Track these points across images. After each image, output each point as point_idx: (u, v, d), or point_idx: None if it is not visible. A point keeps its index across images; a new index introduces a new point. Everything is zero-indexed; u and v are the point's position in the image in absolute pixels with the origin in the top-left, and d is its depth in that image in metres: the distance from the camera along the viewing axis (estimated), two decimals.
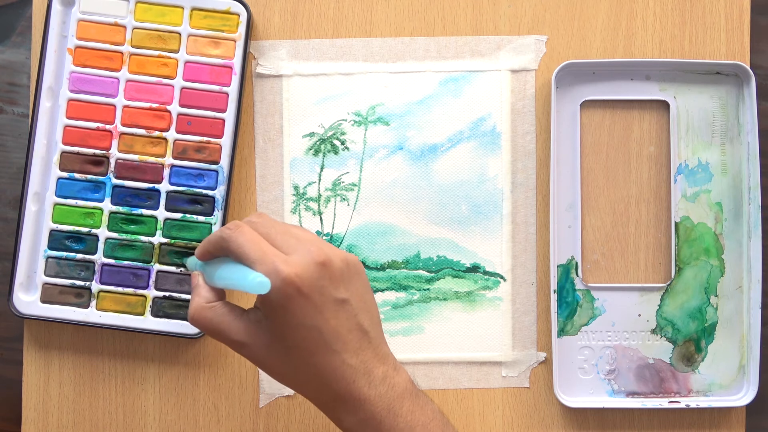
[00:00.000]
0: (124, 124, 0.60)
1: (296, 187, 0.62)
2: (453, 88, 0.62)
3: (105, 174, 0.60)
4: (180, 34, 0.60)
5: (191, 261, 0.54)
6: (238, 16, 0.60)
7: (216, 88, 0.60)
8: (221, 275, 0.48)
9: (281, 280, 0.45)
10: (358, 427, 0.48)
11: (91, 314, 0.60)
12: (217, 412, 0.62)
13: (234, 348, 0.49)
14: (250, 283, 0.44)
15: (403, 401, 0.47)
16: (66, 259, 0.60)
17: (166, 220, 0.60)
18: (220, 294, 0.50)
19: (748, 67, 0.60)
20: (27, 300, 0.60)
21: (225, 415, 0.62)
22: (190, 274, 0.59)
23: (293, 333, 0.46)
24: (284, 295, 0.45)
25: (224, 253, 0.49)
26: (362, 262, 0.62)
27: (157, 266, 0.60)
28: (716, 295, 0.61)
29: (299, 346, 0.46)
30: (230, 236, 0.48)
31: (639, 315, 0.61)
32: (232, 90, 0.60)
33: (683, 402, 0.61)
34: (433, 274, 0.62)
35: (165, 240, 0.60)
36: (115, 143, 0.60)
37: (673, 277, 0.61)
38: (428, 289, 0.62)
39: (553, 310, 0.60)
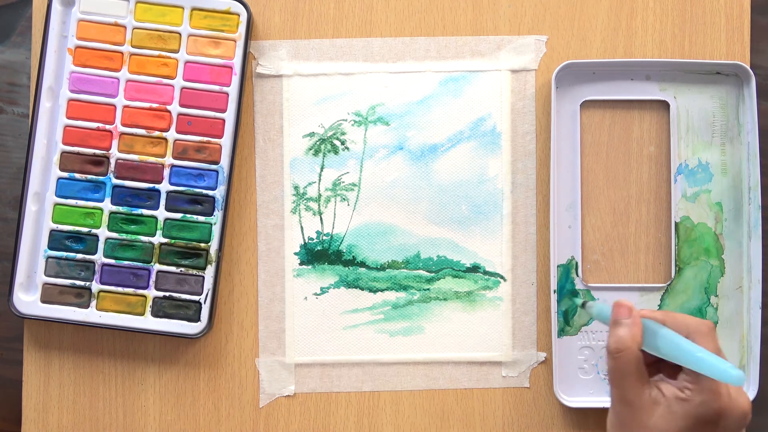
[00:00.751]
0: (124, 124, 0.60)
1: (296, 187, 0.62)
2: (453, 88, 0.62)
3: (105, 174, 0.60)
4: (180, 34, 0.60)
5: (598, 308, 0.54)
6: (238, 16, 0.60)
7: (216, 88, 0.60)
8: (674, 341, 0.48)
9: (717, 407, 0.47)
10: None
11: (91, 314, 0.60)
12: (217, 412, 0.62)
13: (617, 397, 0.50)
14: (727, 372, 0.45)
15: None
16: (66, 259, 0.60)
17: (166, 220, 0.60)
18: (642, 343, 0.50)
19: (748, 67, 0.60)
20: (27, 300, 0.60)
21: (225, 415, 0.62)
22: (195, 275, 0.59)
23: None
24: (704, 417, 0.47)
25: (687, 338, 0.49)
26: (362, 262, 0.62)
27: (157, 266, 0.60)
28: (716, 295, 0.61)
29: None
30: (707, 337, 0.49)
31: None
32: (232, 90, 0.60)
33: None
34: (433, 274, 0.62)
35: (165, 240, 0.60)
36: (115, 143, 0.60)
37: (673, 277, 0.61)
38: (428, 289, 0.62)
39: (553, 310, 0.60)
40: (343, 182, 0.62)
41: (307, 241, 0.62)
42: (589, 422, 0.62)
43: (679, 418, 0.48)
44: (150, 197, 0.60)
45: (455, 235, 0.62)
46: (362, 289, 0.62)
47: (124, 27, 0.60)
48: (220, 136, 0.60)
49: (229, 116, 0.60)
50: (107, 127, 0.60)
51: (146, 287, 0.60)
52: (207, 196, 0.60)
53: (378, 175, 0.62)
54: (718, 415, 0.48)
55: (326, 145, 0.62)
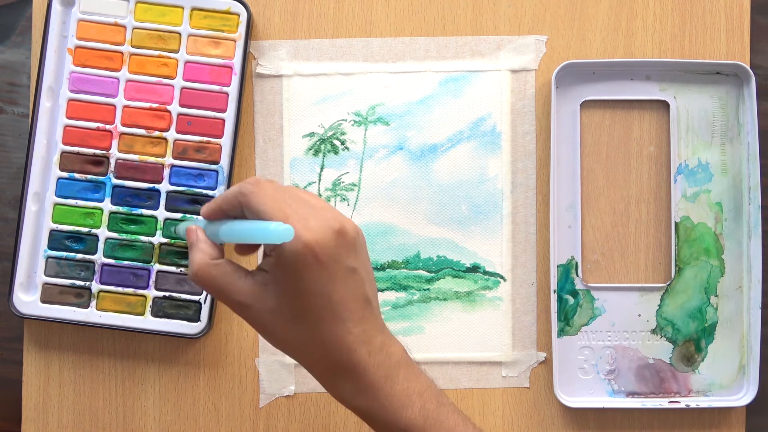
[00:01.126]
0: (124, 124, 0.60)
1: (296, 187, 0.62)
2: (453, 88, 0.62)
3: (105, 174, 0.60)
4: (180, 34, 0.60)
5: (183, 225, 0.51)
6: (238, 16, 0.60)
7: (216, 88, 0.60)
8: (232, 228, 0.46)
9: (301, 245, 0.44)
10: (356, 395, 0.47)
11: (91, 314, 0.60)
12: (217, 412, 0.62)
13: (235, 309, 0.47)
14: (274, 231, 0.42)
15: (399, 369, 0.47)
16: (66, 259, 0.60)
17: (166, 220, 0.60)
18: (222, 251, 0.48)
19: (748, 67, 0.60)
20: (27, 300, 0.60)
21: (225, 415, 0.62)
22: (186, 274, 0.59)
23: (302, 299, 0.45)
24: (301, 261, 0.44)
25: (238, 210, 0.47)
26: None
27: (157, 266, 0.60)
28: (716, 295, 0.61)
29: (306, 313, 0.46)
30: (251, 192, 0.46)
31: (639, 315, 0.61)
32: (232, 90, 0.60)
33: (683, 402, 0.61)
34: (433, 274, 0.62)
35: (165, 240, 0.60)
36: (115, 143, 0.60)
37: (673, 277, 0.61)
38: (428, 289, 0.62)
39: (553, 310, 0.60)
40: (343, 182, 0.62)
41: None
42: (589, 422, 0.62)
43: (286, 281, 0.45)
44: (150, 197, 0.60)
45: (455, 235, 0.62)
46: None
47: (124, 27, 0.60)
48: (220, 136, 0.60)
49: (229, 116, 0.60)
50: (107, 127, 0.60)
51: (146, 287, 0.60)
52: (207, 196, 0.60)
53: (378, 175, 0.62)
54: (310, 251, 0.44)
55: (326, 145, 0.62)
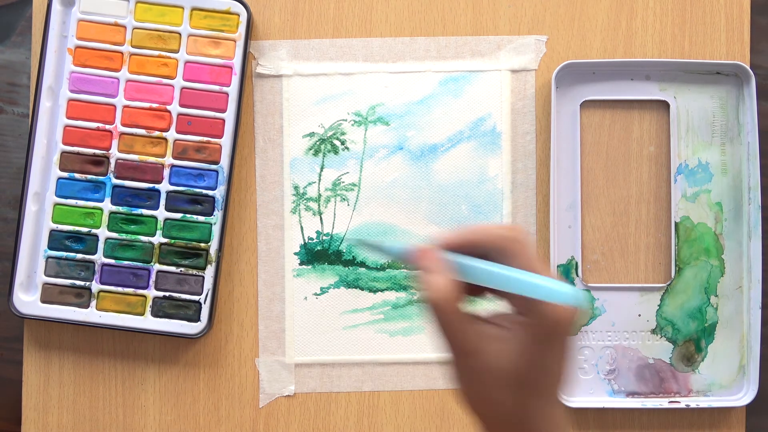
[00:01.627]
0: (124, 124, 0.60)
1: (296, 187, 0.62)
2: (453, 88, 0.62)
3: (105, 174, 0.60)
4: (180, 34, 0.60)
5: (401, 245, 0.45)
6: (238, 16, 0.60)
7: (216, 88, 0.60)
8: (507, 275, 0.41)
9: (561, 315, 0.40)
10: None
11: (91, 314, 0.60)
12: (217, 412, 0.62)
13: (455, 352, 0.43)
14: (564, 294, 0.39)
15: None
16: (66, 259, 0.60)
17: (166, 220, 0.60)
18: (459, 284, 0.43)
19: (748, 67, 0.60)
20: (27, 300, 0.60)
21: (225, 415, 0.62)
22: (185, 274, 0.59)
23: (537, 368, 0.42)
24: (556, 331, 0.41)
25: (493, 254, 0.43)
26: (362, 262, 0.62)
27: (157, 266, 0.60)
28: (716, 295, 0.61)
29: (533, 382, 0.42)
30: (525, 242, 0.41)
31: (639, 315, 0.61)
32: (232, 90, 0.60)
33: (683, 402, 0.61)
34: None
35: (165, 240, 0.60)
36: (115, 143, 0.60)
37: (673, 277, 0.61)
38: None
39: None
40: (343, 182, 0.62)
41: (307, 241, 0.62)
42: (589, 422, 0.62)
43: (529, 344, 0.41)
44: (150, 197, 0.60)
45: None
46: (362, 289, 0.62)
47: (124, 27, 0.60)
48: (220, 136, 0.60)
49: (229, 116, 0.60)
50: (107, 127, 0.60)
51: (146, 287, 0.60)
52: (207, 196, 0.60)
53: (378, 175, 0.62)
54: (564, 323, 0.41)
55: (326, 145, 0.62)
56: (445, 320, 0.42)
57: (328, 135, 0.62)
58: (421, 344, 0.62)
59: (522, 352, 0.41)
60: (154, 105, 0.60)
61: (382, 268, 0.62)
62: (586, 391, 0.61)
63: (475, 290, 0.44)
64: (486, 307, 0.44)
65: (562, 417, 0.43)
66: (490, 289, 0.44)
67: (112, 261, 0.60)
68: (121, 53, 0.60)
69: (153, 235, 0.60)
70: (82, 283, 0.60)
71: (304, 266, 0.62)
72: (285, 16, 0.62)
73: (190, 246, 0.60)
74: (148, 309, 0.60)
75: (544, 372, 0.42)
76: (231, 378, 0.62)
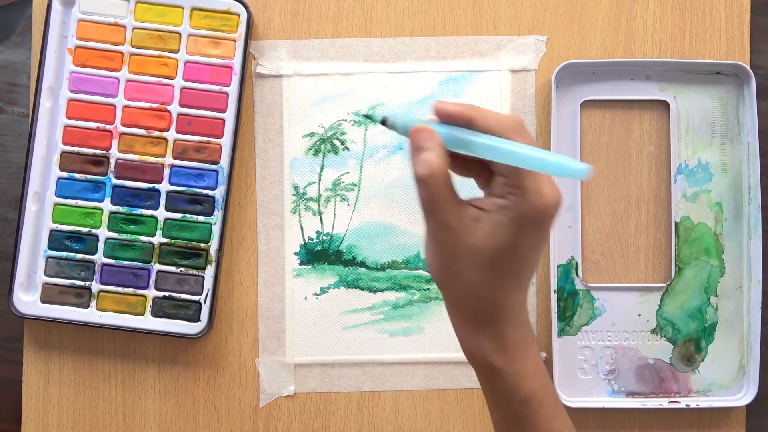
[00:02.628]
0: (124, 124, 0.60)
1: (296, 187, 0.62)
2: (453, 88, 0.62)
3: (105, 174, 0.60)
4: (180, 34, 0.60)
5: (405, 119, 0.47)
6: (238, 16, 0.60)
7: (216, 88, 0.60)
8: (512, 150, 0.42)
9: (542, 204, 0.42)
10: (495, 353, 0.47)
11: (91, 314, 0.60)
12: (217, 412, 0.62)
13: (436, 225, 0.45)
14: (572, 168, 0.39)
15: (534, 342, 0.47)
16: (66, 259, 0.60)
17: (166, 220, 0.60)
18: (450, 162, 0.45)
19: (748, 67, 0.60)
20: (27, 300, 0.60)
21: (225, 415, 0.62)
22: (185, 274, 0.59)
23: (508, 251, 0.44)
24: (535, 218, 0.43)
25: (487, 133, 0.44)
26: (362, 262, 0.62)
27: (157, 266, 0.60)
28: (716, 295, 0.61)
29: (500, 265, 0.44)
30: (521, 133, 0.43)
31: (639, 315, 0.61)
32: (232, 90, 0.60)
33: (683, 402, 0.61)
34: None
35: (165, 240, 0.60)
36: (115, 143, 0.60)
37: (673, 277, 0.61)
38: (428, 289, 0.62)
39: (553, 310, 0.60)
40: (343, 182, 0.62)
41: (307, 241, 0.62)
42: (589, 422, 0.62)
43: (506, 228, 0.43)
44: (150, 197, 0.60)
45: None
46: (362, 289, 0.62)
47: (124, 27, 0.60)
48: (220, 136, 0.60)
49: (229, 116, 0.60)
50: (107, 127, 0.60)
51: (146, 287, 0.60)
52: (207, 196, 0.60)
53: (378, 175, 0.62)
54: (545, 213, 0.43)
55: (326, 145, 0.62)
56: (430, 194, 0.44)
57: (328, 135, 0.62)
58: (421, 344, 0.62)
59: (496, 233, 0.44)
60: (154, 105, 0.60)
61: (382, 268, 0.62)
62: (586, 391, 0.61)
63: (465, 173, 0.47)
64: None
65: (525, 302, 0.47)
66: (477, 172, 0.46)
67: (112, 261, 0.60)
68: (121, 53, 0.60)
69: (153, 235, 0.60)
70: (82, 283, 0.60)
71: (304, 266, 0.62)
72: (285, 16, 0.62)
73: (190, 246, 0.60)
74: (148, 309, 0.60)
75: (515, 256, 0.44)
76: (231, 378, 0.62)
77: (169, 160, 0.60)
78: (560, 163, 0.40)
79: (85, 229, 0.60)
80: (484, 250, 0.44)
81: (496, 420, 0.49)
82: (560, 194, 0.43)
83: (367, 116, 0.58)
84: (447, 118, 0.45)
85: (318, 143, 0.62)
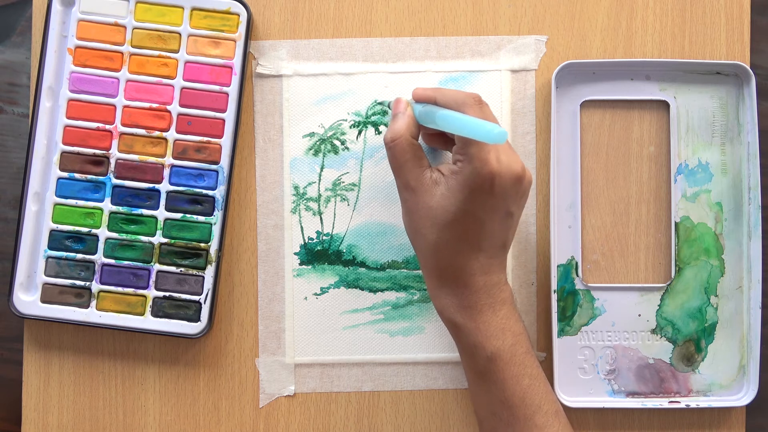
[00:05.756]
0: (124, 124, 0.60)
1: (296, 187, 0.62)
2: (453, 88, 0.62)
3: (105, 174, 0.60)
4: (180, 34, 0.60)
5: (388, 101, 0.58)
6: (238, 16, 0.60)
7: (216, 88, 0.60)
8: (451, 116, 0.49)
9: (487, 171, 0.49)
10: (457, 310, 0.52)
11: (91, 314, 0.60)
12: (217, 412, 0.62)
13: (402, 187, 0.53)
14: (490, 131, 0.45)
15: (503, 306, 0.53)
16: (66, 259, 0.60)
17: (166, 220, 0.60)
18: (418, 132, 0.54)
19: (748, 67, 0.60)
20: (27, 300, 0.60)
21: (225, 415, 0.62)
22: (185, 274, 0.59)
23: (459, 213, 0.50)
24: (479, 184, 0.49)
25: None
26: (362, 262, 0.62)
27: (157, 266, 0.60)
28: (716, 295, 0.61)
29: (455, 226, 0.51)
30: (473, 108, 0.51)
31: (639, 315, 0.61)
32: (232, 90, 0.60)
33: (683, 402, 0.61)
34: None
35: (165, 240, 0.60)
36: (115, 143, 0.60)
37: (673, 277, 0.61)
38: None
39: (553, 310, 0.60)
40: (343, 182, 0.62)
41: (307, 241, 0.62)
42: (589, 422, 0.62)
43: (456, 192, 0.50)
44: (150, 197, 0.60)
45: None
46: (362, 289, 0.62)
47: (124, 27, 0.60)
48: (220, 136, 0.60)
49: (229, 116, 0.60)
50: (107, 127, 0.60)
51: (146, 287, 0.60)
52: (207, 196, 0.60)
53: (378, 175, 0.62)
54: (489, 180, 0.49)
55: (326, 145, 0.62)
56: (394, 155, 0.53)
57: (328, 135, 0.62)
58: (421, 344, 0.62)
59: (449, 196, 0.50)
60: (154, 105, 0.60)
61: (382, 268, 0.62)
62: (586, 391, 0.61)
63: (439, 143, 0.57)
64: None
65: (493, 269, 0.52)
66: (445, 143, 0.56)
67: (112, 261, 0.60)
68: (121, 53, 0.60)
69: (153, 235, 0.60)
70: (82, 283, 0.60)
71: (304, 266, 0.62)
72: (285, 16, 0.62)
73: (190, 246, 0.60)
74: (148, 309, 0.60)
75: (468, 220, 0.51)
76: (231, 378, 0.62)
77: (169, 160, 0.60)
78: (479, 127, 0.46)
79: (85, 229, 0.60)
80: (438, 211, 0.51)
81: (469, 377, 0.54)
82: (512, 167, 0.50)
83: (380, 104, 0.62)
84: (419, 98, 0.55)
85: (318, 143, 0.62)
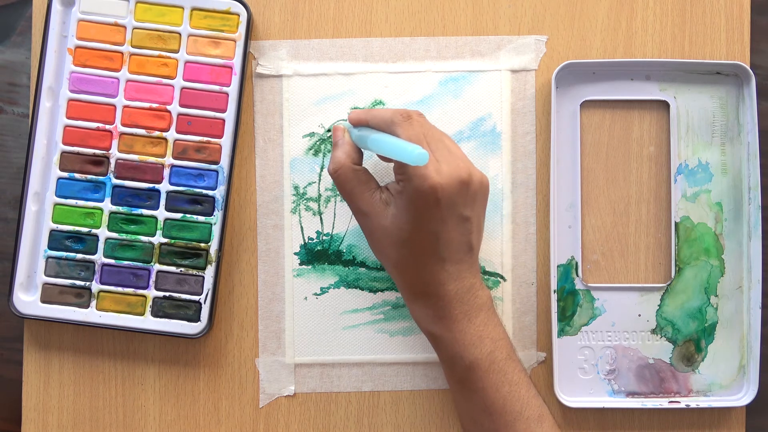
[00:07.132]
0: (124, 124, 0.60)
1: (296, 187, 0.62)
2: (453, 88, 0.62)
3: (105, 174, 0.60)
4: (180, 34, 0.60)
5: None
6: (238, 16, 0.60)
7: (216, 88, 0.60)
8: (380, 139, 0.50)
9: (428, 186, 0.49)
10: (434, 321, 0.53)
11: (91, 314, 0.60)
12: (217, 412, 0.62)
13: (356, 214, 0.54)
14: (411, 153, 0.46)
15: (480, 312, 0.53)
16: (66, 259, 0.60)
17: (166, 220, 0.60)
18: (362, 157, 0.55)
19: (748, 67, 0.60)
20: (27, 300, 0.60)
21: (225, 415, 0.62)
22: (185, 274, 0.59)
23: (413, 230, 0.51)
24: (422, 199, 0.50)
25: (382, 131, 0.53)
26: (362, 262, 0.62)
27: (157, 266, 0.60)
28: (716, 295, 0.61)
29: (412, 242, 0.51)
30: (400, 124, 0.52)
31: (639, 315, 0.61)
32: (232, 90, 0.60)
33: (683, 402, 0.61)
34: None
35: (165, 240, 0.60)
36: (115, 143, 0.60)
37: (673, 277, 0.61)
38: None
39: (553, 310, 0.60)
40: None
41: (307, 241, 0.62)
42: (589, 422, 0.62)
43: (404, 211, 0.51)
44: (150, 197, 0.60)
45: None
46: (362, 289, 0.62)
47: (124, 27, 0.60)
48: (220, 136, 0.60)
49: (229, 116, 0.60)
50: (107, 127, 0.60)
51: (146, 287, 0.60)
52: (207, 196, 0.60)
53: (377, 175, 0.62)
54: (432, 194, 0.49)
55: (326, 145, 0.62)
56: (341, 185, 0.54)
57: (328, 135, 0.62)
58: (421, 344, 0.62)
59: (399, 215, 0.51)
60: (154, 105, 0.60)
61: (382, 268, 0.62)
62: (586, 391, 0.61)
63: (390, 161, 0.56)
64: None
65: (462, 275, 0.52)
66: (391, 161, 0.55)
67: (112, 261, 0.60)
68: (121, 53, 0.60)
69: (153, 235, 0.60)
70: (82, 283, 0.60)
71: (304, 266, 0.62)
72: (285, 16, 0.62)
73: (190, 246, 0.60)
74: (148, 309, 0.60)
75: (423, 234, 0.51)
76: (231, 378, 0.62)
77: (169, 160, 0.60)
78: (401, 150, 0.47)
79: (85, 229, 0.60)
80: (394, 231, 0.52)
81: (450, 386, 0.54)
82: (455, 174, 0.50)
83: (328, 130, 0.62)
84: (354, 122, 0.56)
85: (318, 143, 0.62)
